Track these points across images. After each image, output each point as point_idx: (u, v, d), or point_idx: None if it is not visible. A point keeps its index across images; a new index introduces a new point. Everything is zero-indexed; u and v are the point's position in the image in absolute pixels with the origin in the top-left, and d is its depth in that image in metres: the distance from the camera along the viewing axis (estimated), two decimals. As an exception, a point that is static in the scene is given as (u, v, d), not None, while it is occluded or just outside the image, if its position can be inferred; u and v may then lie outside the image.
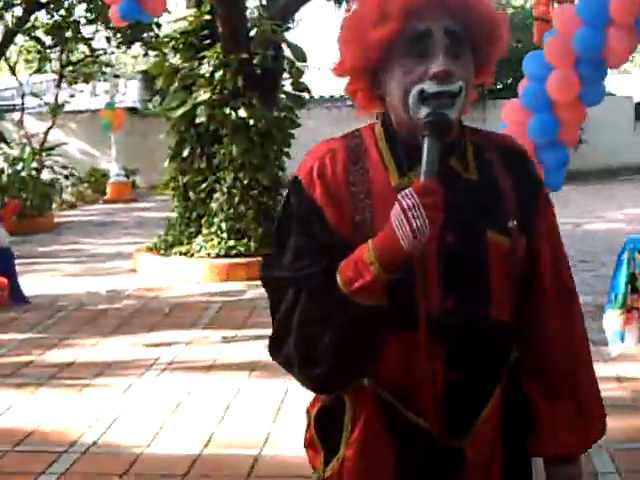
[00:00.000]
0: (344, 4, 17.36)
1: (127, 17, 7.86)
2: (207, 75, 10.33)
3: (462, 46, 1.83)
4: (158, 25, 19.34)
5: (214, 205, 10.54)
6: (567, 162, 6.39)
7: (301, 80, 10.91)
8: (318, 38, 45.41)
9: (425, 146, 1.77)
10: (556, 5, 8.52)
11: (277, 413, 5.42)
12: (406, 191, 1.71)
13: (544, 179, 6.06)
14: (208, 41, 10.55)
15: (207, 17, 10.47)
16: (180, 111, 10.47)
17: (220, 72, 10.24)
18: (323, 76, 19.26)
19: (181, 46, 10.82)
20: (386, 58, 1.84)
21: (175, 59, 10.95)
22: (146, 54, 21.60)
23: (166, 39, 11.37)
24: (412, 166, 1.86)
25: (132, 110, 22.90)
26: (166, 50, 11.35)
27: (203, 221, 10.65)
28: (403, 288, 1.80)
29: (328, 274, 1.79)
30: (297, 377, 1.90)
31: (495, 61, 1.97)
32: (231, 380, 6.12)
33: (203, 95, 10.28)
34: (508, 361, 1.95)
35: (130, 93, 23.92)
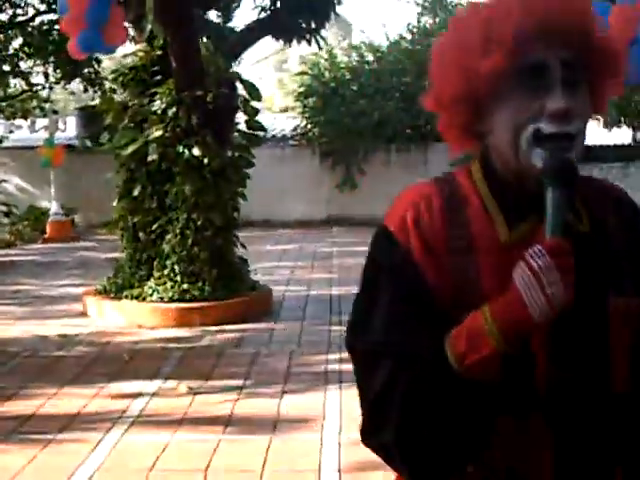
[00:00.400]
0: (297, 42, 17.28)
1: (88, 49, 7.49)
2: (159, 112, 9.99)
3: (578, 79, 1.59)
4: (98, 61, 18.99)
5: (166, 246, 10.16)
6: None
7: (256, 119, 10.64)
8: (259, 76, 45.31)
9: (549, 197, 1.52)
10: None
11: (262, 472, 5.07)
12: (535, 249, 1.47)
13: None
14: (159, 77, 10.22)
15: (158, 52, 10.16)
16: (130, 149, 10.10)
17: (173, 109, 9.91)
18: (264, 115, 19.10)
19: (130, 82, 10.48)
20: (493, 90, 1.58)
21: (124, 95, 10.61)
22: (86, 90, 21.16)
23: (113, 74, 11.00)
24: (522, 217, 1.62)
25: (70, 147, 22.39)
26: (114, 86, 10.98)
27: (155, 263, 10.26)
28: (515, 363, 1.52)
29: (431, 347, 1.53)
30: (392, 465, 1.64)
31: (608, 98, 1.69)
32: (207, 436, 5.75)
33: (155, 132, 9.93)
34: (632, 440, 1.66)
35: (68, 129, 23.40)
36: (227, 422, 6.00)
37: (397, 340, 1.57)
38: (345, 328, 1.73)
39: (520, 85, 1.57)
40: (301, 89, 22.00)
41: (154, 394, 6.79)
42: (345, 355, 5.60)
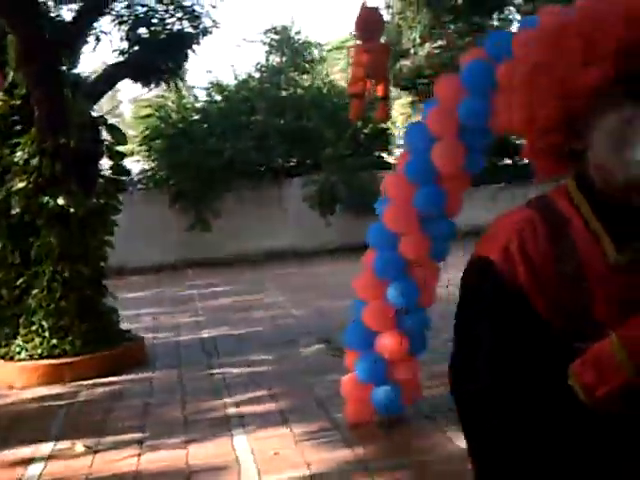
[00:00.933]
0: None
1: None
2: (22, 162, 9.60)
3: None
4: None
5: (32, 302, 9.73)
6: (453, 233, 6.39)
7: (120, 163, 10.40)
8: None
9: None
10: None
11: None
12: None
13: (432, 250, 6.07)
14: (20, 127, 9.84)
15: (18, 102, 9.78)
16: (-9, 203, 9.66)
17: (36, 159, 9.55)
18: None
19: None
20: (595, 105, 1.52)
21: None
22: None
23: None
24: (630, 236, 1.56)
25: None
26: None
27: (21, 320, 9.80)
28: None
29: (552, 384, 1.46)
30: None
31: None
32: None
33: (18, 184, 9.53)
34: None
35: None
36: (136, 478, 5.77)
37: (512, 382, 1.50)
38: (448, 373, 1.67)
39: (627, 96, 1.51)
40: (147, 132, 21.66)
41: (49, 457, 6.44)
42: (242, 398, 5.54)
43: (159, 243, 20.36)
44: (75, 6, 13.97)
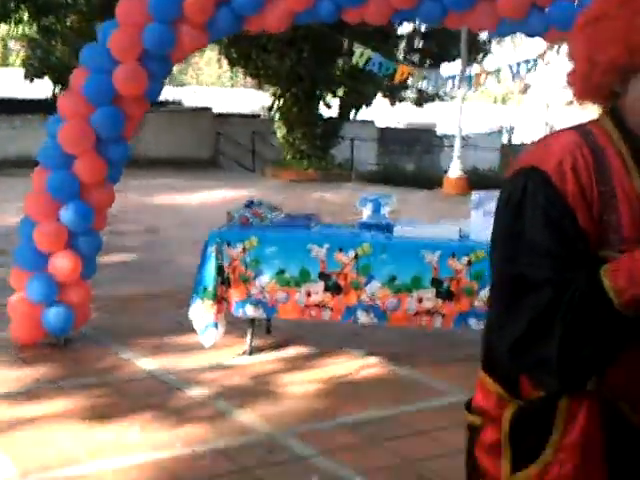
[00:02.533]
0: None
1: None
2: None
3: None
4: None
5: None
6: (128, 156, 6.35)
7: None
8: None
9: None
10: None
11: None
12: None
13: (108, 172, 6.05)
14: None
15: None
16: None
17: None
18: None
19: None
20: None
21: None
22: None
23: None
24: None
25: None
26: None
27: None
28: None
29: (587, 278, 1.72)
30: (546, 379, 1.80)
31: None
32: None
33: None
34: None
35: None
36: None
37: (558, 272, 1.73)
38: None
39: None
40: None
41: None
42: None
43: None
44: None
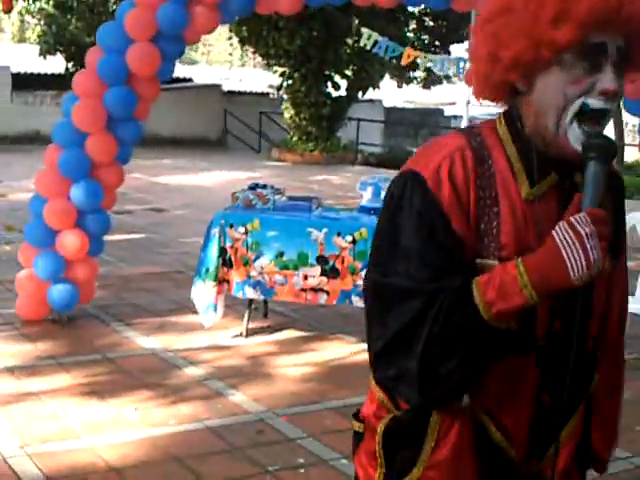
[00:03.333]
0: None
1: None
2: None
3: (623, 65, 1.73)
4: None
5: None
6: (140, 136, 6.49)
7: None
8: None
9: (592, 171, 1.67)
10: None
11: None
12: (580, 216, 1.60)
13: (118, 152, 6.19)
14: None
15: None
16: None
17: None
18: None
19: None
20: (552, 59, 1.69)
21: None
22: None
23: None
24: (541, 178, 1.77)
25: None
26: None
27: None
28: (527, 312, 1.70)
29: (457, 289, 1.67)
30: (405, 392, 1.75)
31: None
32: None
33: None
34: (591, 384, 1.94)
35: None
36: None
37: (427, 281, 1.67)
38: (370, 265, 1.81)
39: (580, 60, 1.66)
40: None
41: None
42: None
43: None
44: None
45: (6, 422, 4.69)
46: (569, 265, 1.58)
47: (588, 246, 1.57)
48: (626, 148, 20.79)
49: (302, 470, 4.32)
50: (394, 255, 1.72)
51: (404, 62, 11.97)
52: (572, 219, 1.60)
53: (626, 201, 2.04)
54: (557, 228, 1.61)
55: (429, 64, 11.86)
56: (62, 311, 6.49)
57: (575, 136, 1.70)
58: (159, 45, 6.04)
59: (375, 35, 11.58)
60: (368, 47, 11.30)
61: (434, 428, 1.81)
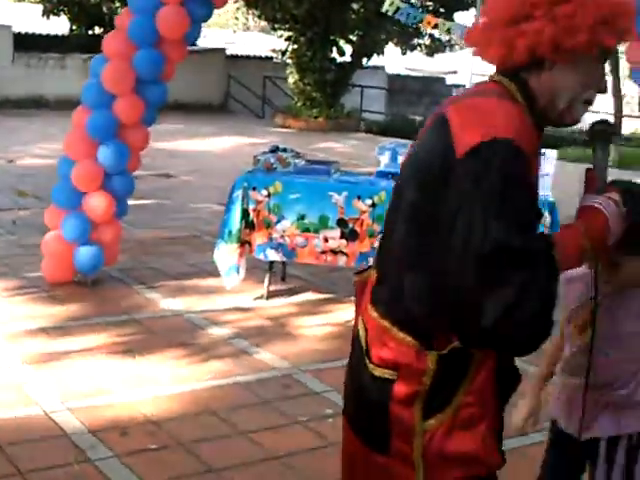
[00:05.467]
0: None
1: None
2: None
3: None
4: None
5: None
6: (165, 99, 6.62)
7: None
8: None
9: (599, 154, 2.17)
10: None
11: None
12: (616, 197, 2.10)
13: (144, 114, 6.29)
14: None
15: None
16: None
17: None
18: None
19: None
20: (591, 54, 2.03)
21: None
22: None
23: None
24: (538, 137, 2.10)
25: None
26: None
27: None
28: None
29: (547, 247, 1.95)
30: (528, 336, 1.90)
31: None
32: None
33: None
34: None
35: None
36: None
37: (534, 241, 1.92)
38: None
39: (599, 60, 2.07)
40: None
41: None
42: None
43: None
44: None
45: (45, 379, 4.86)
46: (613, 232, 2.08)
47: (620, 219, 2.09)
48: (624, 120, 20.99)
49: (330, 420, 4.52)
50: (506, 217, 1.86)
51: (425, 27, 12.08)
52: (617, 197, 2.10)
53: (625, 171, 2.41)
54: (605, 202, 2.08)
55: (448, 30, 11.96)
56: (88, 273, 6.62)
57: (579, 117, 2.12)
58: (188, 8, 6.13)
59: (397, 1, 11.70)
60: (390, 13, 11.42)
61: (476, 362, 2.02)
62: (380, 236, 2.27)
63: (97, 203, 6.41)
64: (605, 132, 2.18)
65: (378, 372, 2.08)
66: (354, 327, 2.31)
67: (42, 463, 3.92)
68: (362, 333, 2.19)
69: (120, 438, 4.21)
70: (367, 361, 2.12)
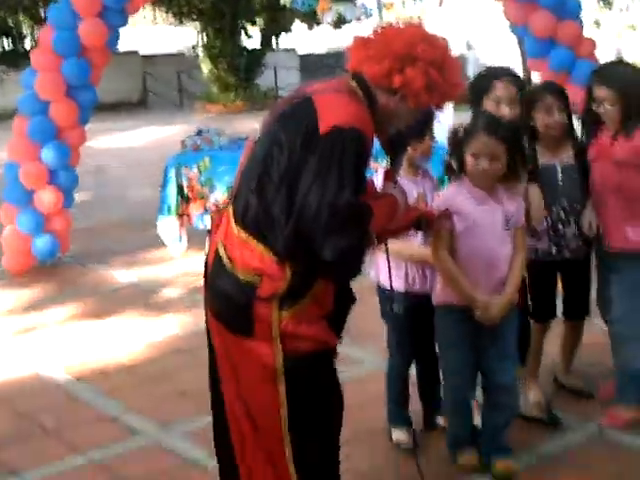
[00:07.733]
0: None
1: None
2: None
3: None
4: None
5: None
6: (96, 100, 7.33)
7: None
8: None
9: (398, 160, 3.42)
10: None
11: None
12: (403, 189, 3.11)
13: (79, 115, 7.02)
14: None
15: None
16: None
17: None
18: None
19: None
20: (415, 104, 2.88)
21: None
22: None
23: None
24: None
25: None
26: None
27: None
28: None
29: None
30: (348, 272, 2.84)
31: None
32: None
33: None
34: None
35: None
36: None
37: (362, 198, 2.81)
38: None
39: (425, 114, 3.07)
40: None
41: None
42: None
43: None
44: None
45: (29, 347, 5.60)
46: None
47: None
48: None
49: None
50: (347, 182, 2.66)
51: (320, 11, 12.87)
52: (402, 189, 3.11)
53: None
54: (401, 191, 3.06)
55: (341, 10, 12.81)
56: (46, 260, 7.36)
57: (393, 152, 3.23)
58: (106, 18, 6.89)
59: (291, -11, 12.49)
60: (287, 3, 12.21)
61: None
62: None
63: (47, 197, 7.15)
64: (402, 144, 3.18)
65: (242, 276, 2.75)
66: (209, 253, 2.97)
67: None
68: (222, 251, 2.84)
69: (101, 377, 5.02)
70: (232, 269, 2.78)
